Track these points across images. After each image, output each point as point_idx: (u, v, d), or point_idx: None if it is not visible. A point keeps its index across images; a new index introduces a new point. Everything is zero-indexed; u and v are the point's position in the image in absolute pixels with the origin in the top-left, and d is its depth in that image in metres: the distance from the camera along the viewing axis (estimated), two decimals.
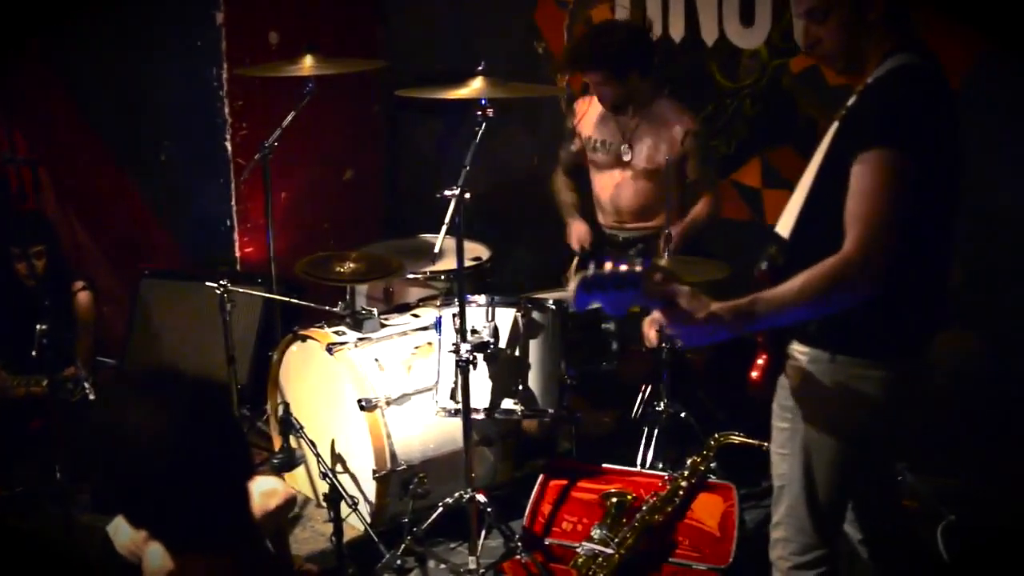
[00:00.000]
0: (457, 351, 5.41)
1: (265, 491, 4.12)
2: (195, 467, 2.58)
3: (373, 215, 8.44)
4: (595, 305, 3.48)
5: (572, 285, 3.42)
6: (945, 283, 3.92)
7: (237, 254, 7.69)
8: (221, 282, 6.11)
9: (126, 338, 7.56)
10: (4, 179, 8.09)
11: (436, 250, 5.25)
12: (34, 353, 5.55)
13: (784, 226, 3.95)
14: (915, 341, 3.91)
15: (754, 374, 4.02)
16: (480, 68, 5.56)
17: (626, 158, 6.55)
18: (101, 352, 7.48)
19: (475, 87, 5.53)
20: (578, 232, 6.75)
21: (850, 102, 3.85)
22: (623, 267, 3.40)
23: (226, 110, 7.46)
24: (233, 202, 7.60)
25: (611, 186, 6.68)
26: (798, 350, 3.91)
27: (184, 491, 2.58)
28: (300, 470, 6.14)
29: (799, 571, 4.11)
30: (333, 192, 8.16)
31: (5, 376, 6.57)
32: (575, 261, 6.62)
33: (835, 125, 3.87)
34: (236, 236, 7.66)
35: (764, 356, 3.99)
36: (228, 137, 7.49)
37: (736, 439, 5.67)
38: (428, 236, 6.75)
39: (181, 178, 7.85)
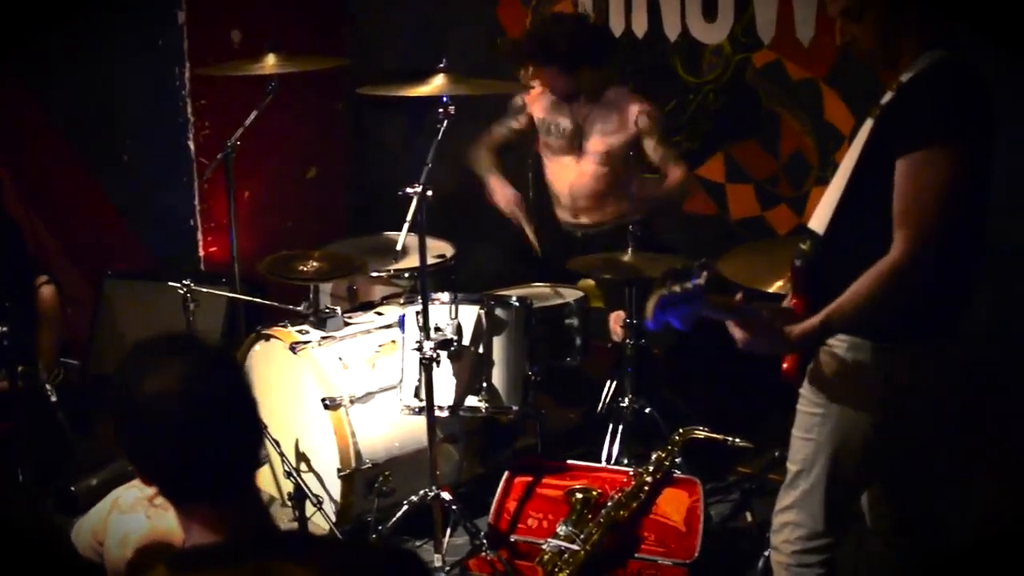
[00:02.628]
0: (420, 349, 5.40)
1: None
2: (208, 420, 2.65)
3: (337, 213, 8.42)
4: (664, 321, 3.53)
5: (649, 305, 3.46)
6: (978, 265, 3.95)
7: (201, 253, 7.66)
8: (184, 282, 6.08)
9: (90, 339, 7.52)
10: None
11: (398, 248, 5.25)
12: None
13: (818, 222, 3.98)
14: (951, 323, 3.94)
15: (785, 364, 4.06)
16: (442, 65, 5.54)
17: (577, 143, 6.54)
18: (64, 353, 7.42)
19: (437, 84, 5.51)
20: (504, 194, 6.74)
21: (885, 99, 3.85)
22: (691, 282, 3.46)
23: (188, 109, 7.44)
24: (196, 201, 7.57)
25: (566, 174, 6.67)
26: (836, 338, 3.92)
27: (197, 442, 2.65)
28: (265, 469, 6.09)
29: (804, 556, 4.14)
30: (297, 190, 8.14)
31: None
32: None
33: (870, 122, 3.87)
34: (200, 236, 7.63)
35: None
36: (190, 136, 7.47)
37: (701, 434, 5.66)
38: (392, 234, 6.69)
39: (144, 178, 7.81)
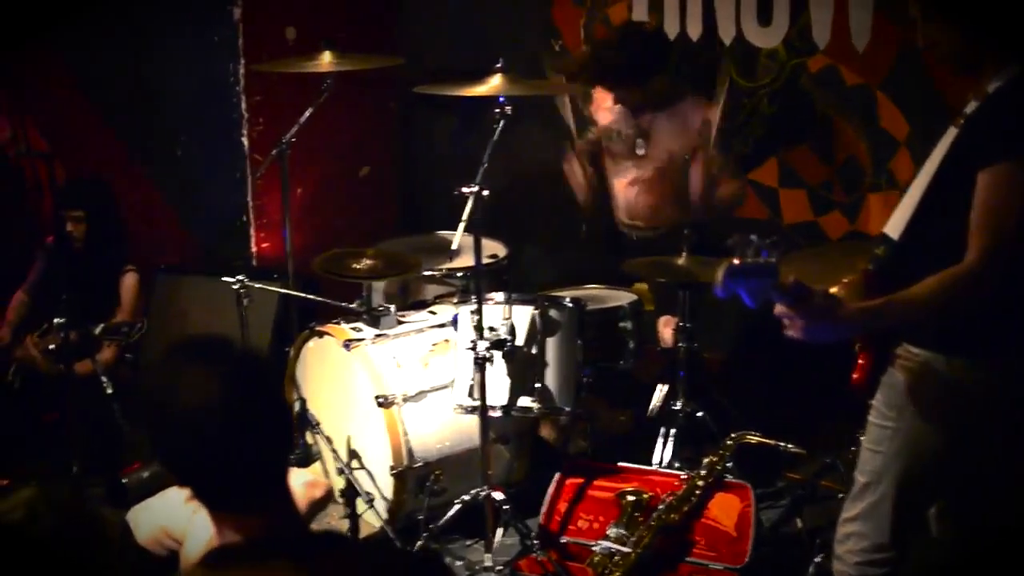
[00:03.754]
0: (474, 348, 5.41)
1: (308, 481, 4.19)
2: (240, 429, 2.66)
3: (389, 212, 8.42)
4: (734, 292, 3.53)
5: (719, 273, 3.45)
6: None
7: (253, 250, 7.67)
8: (238, 277, 6.12)
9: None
10: (20, 174, 8.11)
11: (453, 247, 5.26)
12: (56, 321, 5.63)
13: (894, 228, 3.96)
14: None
15: (855, 375, 4.03)
16: (498, 65, 5.55)
17: (640, 152, 6.55)
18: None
19: (494, 84, 5.51)
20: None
21: (969, 109, 3.82)
22: (764, 257, 3.47)
23: (243, 105, 7.45)
24: (249, 198, 7.59)
25: (625, 182, 6.68)
26: (910, 352, 3.91)
27: (227, 451, 2.66)
28: (316, 465, 6.13)
29: (867, 568, 4.13)
30: (349, 188, 8.15)
31: (32, 345, 6.63)
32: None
33: (952, 131, 3.84)
34: (252, 232, 7.65)
35: (865, 356, 4.01)
36: (244, 132, 7.48)
37: (753, 439, 5.66)
38: (444, 233, 6.72)
39: (197, 173, 7.83)
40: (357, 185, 8.21)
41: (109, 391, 5.94)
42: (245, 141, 7.50)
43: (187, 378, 2.68)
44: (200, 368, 2.71)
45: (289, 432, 2.84)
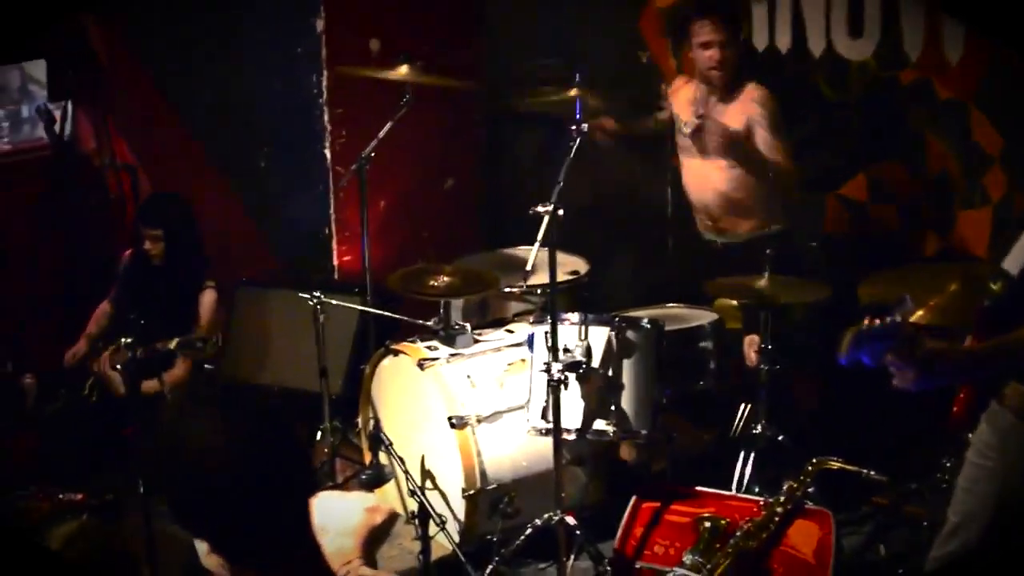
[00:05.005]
0: (548, 370, 5.31)
1: (369, 507, 4.09)
2: (253, 483, 2.61)
3: (473, 226, 8.34)
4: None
5: (846, 340, 3.37)
6: None
7: (335, 263, 7.65)
8: (315, 293, 6.09)
9: (221, 346, 7.51)
10: (104, 184, 8.14)
11: (528, 268, 5.17)
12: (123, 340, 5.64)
13: (1014, 263, 3.82)
14: None
15: (956, 408, 3.90)
16: (577, 80, 5.45)
17: (698, 137, 6.40)
18: None
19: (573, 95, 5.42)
20: None
21: None
22: (888, 319, 3.41)
23: (325, 117, 7.42)
24: (332, 210, 7.55)
25: (696, 177, 6.57)
26: (1021, 391, 3.77)
27: (241, 505, 2.60)
28: (390, 486, 6.06)
29: None
30: (433, 202, 8.08)
31: (106, 361, 6.65)
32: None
33: None
34: (334, 244, 7.62)
35: (967, 390, 3.87)
36: (327, 145, 7.45)
37: (835, 465, 5.50)
38: (527, 249, 6.64)
39: (280, 186, 7.81)
40: (441, 198, 8.14)
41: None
42: (327, 153, 7.46)
43: (198, 426, 2.64)
44: (212, 416, 2.67)
45: (310, 481, 2.75)
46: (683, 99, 6.62)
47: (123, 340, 5.60)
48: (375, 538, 4.12)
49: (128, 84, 8.21)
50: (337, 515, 3.89)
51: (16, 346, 7.71)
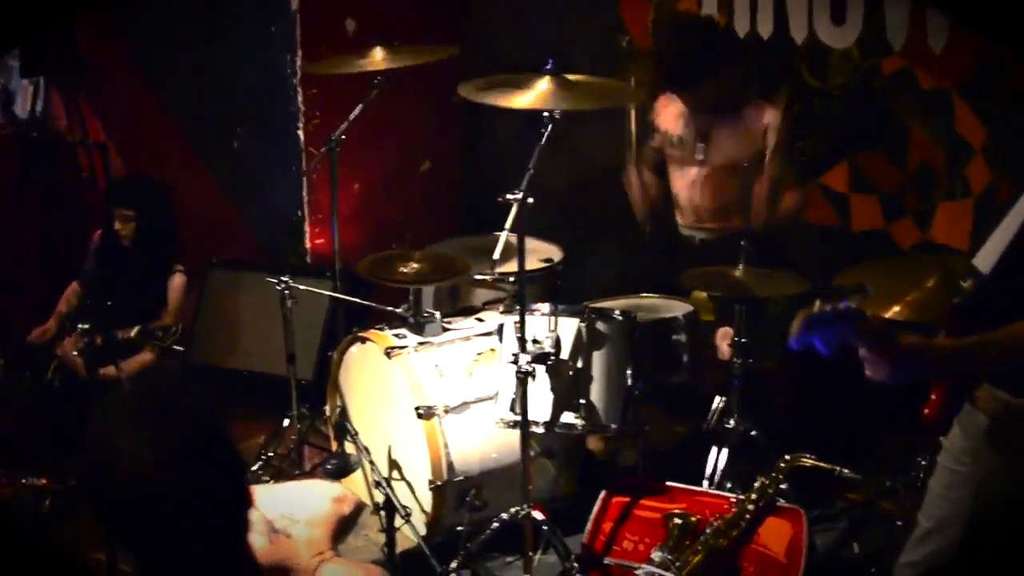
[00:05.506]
0: (516, 362, 5.21)
1: (336, 496, 4.05)
2: (185, 497, 2.52)
3: (451, 209, 8.23)
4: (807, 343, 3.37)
5: (795, 324, 3.29)
6: None
7: (307, 246, 7.55)
8: (282, 278, 6.00)
9: (192, 328, 7.42)
10: (75, 161, 8.05)
11: (495, 256, 5.06)
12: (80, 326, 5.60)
13: (984, 261, 3.71)
14: None
15: (927, 410, 3.79)
16: (548, 68, 5.32)
17: (699, 156, 6.31)
18: None
19: (541, 91, 5.28)
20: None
21: None
22: (843, 304, 3.31)
23: (299, 99, 7.31)
24: (304, 192, 7.44)
25: (688, 184, 6.44)
26: (994, 394, 3.68)
27: (172, 520, 2.52)
28: (357, 475, 5.96)
29: None
30: (409, 184, 7.97)
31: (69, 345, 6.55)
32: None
33: None
34: (307, 227, 7.51)
35: (939, 392, 3.76)
36: (300, 126, 7.33)
37: (808, 462, 5.40)
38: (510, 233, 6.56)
39: (254, 167, 7.72)
40: (418, 181, 8.03)
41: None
42: (301, 135, 7.36)
43: (123, 438, 2.52)
44: (136, 426, 2.54)
45: (243, 492, 2.63)
46: (673, 113, 6.50)
47: (80, 326, 5.53)
48: (343, 528, 4.06)
49: (103, 61, 8.11)
50: (306, 505, 3.85)
51: None
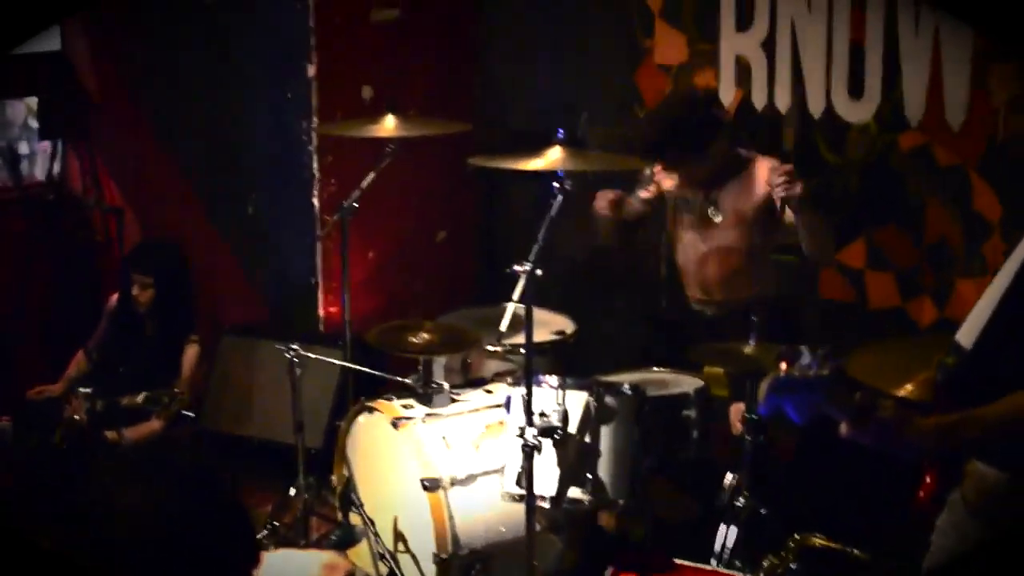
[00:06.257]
0: (522, 435, 5.15)
1: (326, 563, 3.98)
2: (187, 555, 2.47)
3: (467, 278, 8.17)
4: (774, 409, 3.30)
5: (763, 386, 3.23)
6: None
7: (321, 313, 7.50)
8: (291, 346, 5.96)
9: (203, 394, 7.38)
10: (90, 224, 8.06)
11: (502, 328, 5.03)
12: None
13: (966, 336, 3.66)
14: None
15: (920, 493, 3.73)
16: (559, 136, 5.31)
17: (716, 219, 6.25)
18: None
19: (553, 158, 5.27)
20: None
21: None
22: (813, 370, 3.22)
23: (314, 165, 7.28)
24: (318, 259, 7.40)
25: (696, 251, 6.37)
26: (984, 471, 3.62)
27: None
28: (363, 546, 5.89)
29: None
30: (424, 254, 7.92)
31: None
32: None
33: None
34: (320, 295, 7.47)
35: (932, 474, 3.70)
36: (315, 193, 7.31)
37: (818, 542, 5.33)
38: (519, 305, 6.51)
39: (268, 233, 7.68)
40: (434, 250, 7.98)
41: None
42: (316, 202, 7.32)
43: (124, 497, 2.48)
44: (138, 486, 2.50)
45: (250, 551, 2.59)
46: (672, 177, 6.44)
47: (81, 390, 5.49)
48: None
49: (119, 124, 8.13)
50: (291, 572, 3.79)
51: None
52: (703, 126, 6.22)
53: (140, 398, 6.09)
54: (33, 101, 8.29)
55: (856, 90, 6.50)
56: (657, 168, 6.42)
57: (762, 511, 5.76)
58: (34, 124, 8.36)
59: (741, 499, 5.75)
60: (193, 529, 2.47)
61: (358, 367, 6.27)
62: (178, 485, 2.54)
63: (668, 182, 6.40)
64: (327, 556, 4.07)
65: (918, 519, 3.81)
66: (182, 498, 2.50)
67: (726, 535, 5.72)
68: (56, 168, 8.05)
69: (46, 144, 8.23)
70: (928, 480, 3.71)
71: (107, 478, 2.58)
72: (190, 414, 7.19)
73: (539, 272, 5.03)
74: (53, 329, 7.72)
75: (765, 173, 6.15)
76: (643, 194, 6.53)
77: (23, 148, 8.47)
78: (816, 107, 6.64)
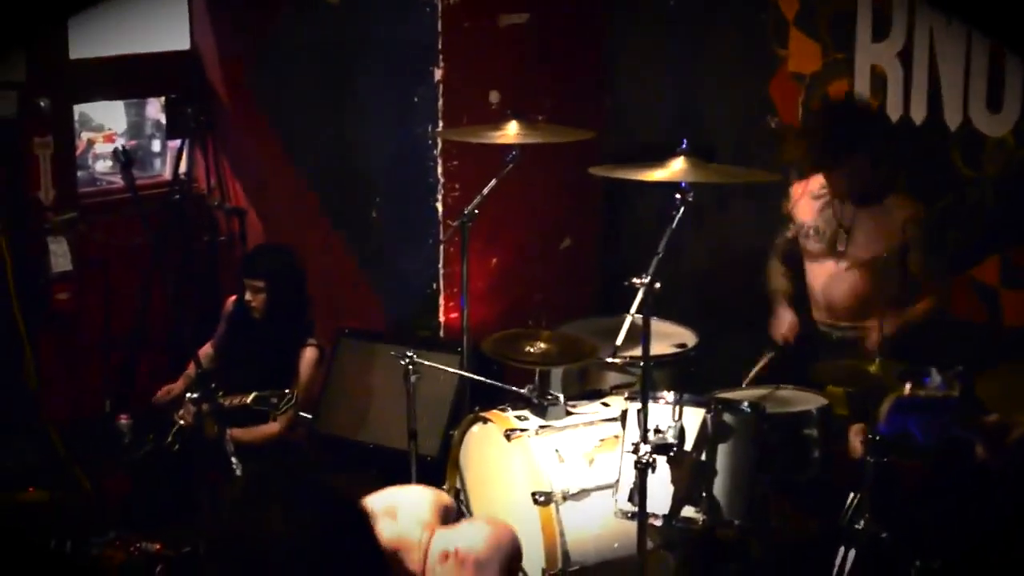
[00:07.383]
0: (636, 451, 5.03)
1: (434, 491, 4.48)
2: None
3: (590, 287, 8.05)
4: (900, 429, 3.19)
5: (885, 406, 3.13)
6: None
7: (441, 319, 7.42)
8: (407, 352, 5.90)
9: (320, 397, 7.32)
10: (215, 225, 8.07)
11: (618, 342, 4.92)
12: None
13: None
14: None
15: None
16: (683, 147, 5.19)
17: (840, 247, 6.12)
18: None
19: (676, 169, 5.15)
20: (782, 323, 6.36)
21: None
22: (942, 391, 3.15)
23: (438, 170, 7.20)
24: (440, 265, 7.32)
25: (824, 278, 6.25)
26: None
27: None
28: None
29: None
30: (548, 261, 7.81)
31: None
32: (765, 359, 6.18)
33: None
34: (441, 301, 7.39)
35: None
36: (439, 198, 7.22)
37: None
38: (639, 316, 6.41)
39: (391, 238, 7.61)
40: (557, 258, 7.87)
41: (237, 472, 5.68)
42: (439, 207, 7.24)
43: (269, 524, 2.47)
44: (284, 514, 2.49)
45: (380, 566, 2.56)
46: (809, 203, 6.35)
47: (188, 395, 5.45)
48: (445, 514, 4.30)
49: (245, 128, 8.11)
50: (405, 496, 4.34)
51: (117, 385, 7.65)
52: (870, 126, 6.16)
53: (250, 399, 6.05)
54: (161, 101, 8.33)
55: (994, 103, 6.32)
56: (790, 202, 6.34)
57: (883, 535, 5.60)
58: (163, 122, 8.38)
59: (862, 522, 5.60)
60: (324, 551, 2.46)
61: (472, 375, 6.18)
62: (307, 502, 2.53)
63: (804, 211, 6.30)
64: (431, 491, 4.37)
65: None
66: (312, 518, 2.49)
67: (844, 558, 5.57)
68: (183, 167, 8.04)
69: (175, 143, 8.23)
70: None
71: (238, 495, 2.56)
72: (307, 416, 7.17)
73: (657, 285, 4.91)
74: (175, 327, 7.70)
75: (903, 216, 6.03)
76: (788, 234, 6.53)
77: (155, 146, 8.50)
78: (953, 119, 6.46)
